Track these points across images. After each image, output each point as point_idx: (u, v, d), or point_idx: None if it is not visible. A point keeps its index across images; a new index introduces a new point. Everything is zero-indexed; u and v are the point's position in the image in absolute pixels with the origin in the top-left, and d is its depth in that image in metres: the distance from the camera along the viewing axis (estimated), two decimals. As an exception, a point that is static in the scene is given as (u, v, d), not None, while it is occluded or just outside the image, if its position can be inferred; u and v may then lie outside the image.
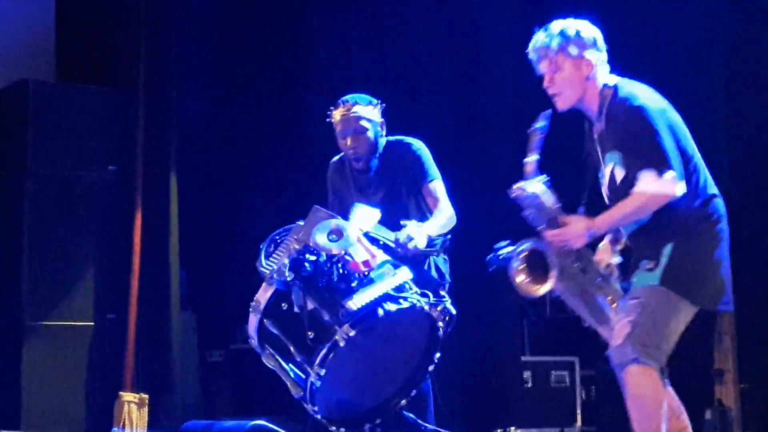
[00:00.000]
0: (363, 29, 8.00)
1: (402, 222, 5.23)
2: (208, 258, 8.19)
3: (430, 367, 5.05)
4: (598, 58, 4.46)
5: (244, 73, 8.33)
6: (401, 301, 4.85)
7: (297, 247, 4.90)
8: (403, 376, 5.04)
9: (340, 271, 4.87)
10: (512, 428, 7.28)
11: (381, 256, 5.00)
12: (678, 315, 4.30)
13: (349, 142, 5.46)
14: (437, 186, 5.49)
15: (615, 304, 4.43)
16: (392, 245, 5.13)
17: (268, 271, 4.94)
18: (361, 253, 4.88)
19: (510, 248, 4.54)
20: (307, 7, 8.24)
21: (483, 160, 7.56)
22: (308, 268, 4.86)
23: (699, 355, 7.15)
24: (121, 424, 6.94)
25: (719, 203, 4.42)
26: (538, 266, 4.47)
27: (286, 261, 4.88)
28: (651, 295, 4.30)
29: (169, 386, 7.33)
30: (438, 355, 5.03)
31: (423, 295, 4.95)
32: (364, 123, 5.46)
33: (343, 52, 7.98)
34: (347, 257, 4.85)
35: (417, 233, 5.15)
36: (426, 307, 4.91)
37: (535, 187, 4.48)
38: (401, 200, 5.51)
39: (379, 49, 7.92)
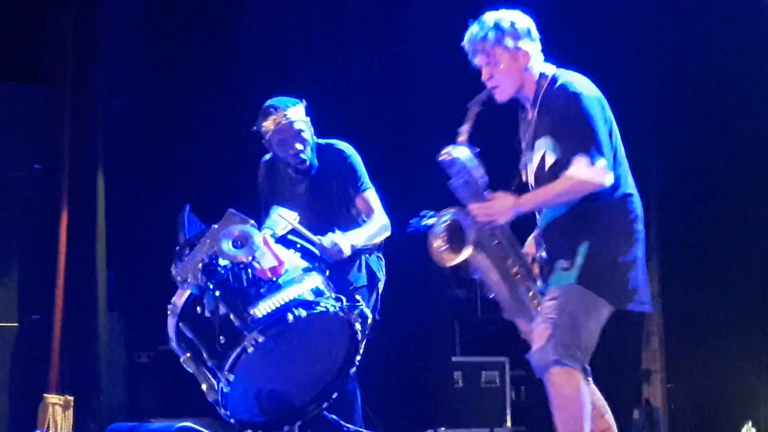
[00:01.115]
0: (292, 26, 7.96)
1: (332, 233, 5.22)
2: (136, 258, 8.09)
3: (352, 370, 5.05)
4: (533, 48, 4.48)
5: (172, 71, 8.25)
6: (314, 306, 4.84)
7: (209, 251, 4.88)
8: (324, 380, 5.05)
9: (249, 276, 4.85)
10: (442, 429, 7.29)
11: (292, 261, 4.98)
12: (597, 313, 4.31)
13: (294, 148, 5.41)
14: (370, 195, 5.49)
15: (536, 301, 4.42)
16: (312, 249, 5.11)
17: (180, 276, 4.92)
18: (268, 259, 4.86)
19: (435, 218, 4.52)
20: (235, 5, 8.18)
21: (414, 160, 7.56)
22: (221, 272, 4.86)
23: (627, 355, 7.22)
24: (46, 426, 6.84)
25: (637, 202, 4.43)
26: (457, 237, 4.45)
27: (199, 265, 4.86)
28: (568, 294, 4.30)
29: (95, 388, 7.24)
30: (359, 358, 5.03)
31: (337, 299, 4.95)
32: (299, 125, 5.43)
33: (271, 50, 7.94)
34: (255, 263, 4.84)
35: (341, 241, 5.14)
36: (340, 312, 4.91)
37: (461, 152, 4.46)
38: (332, 205, 5.48)
39: (308, 46, 7.89)
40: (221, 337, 4.80)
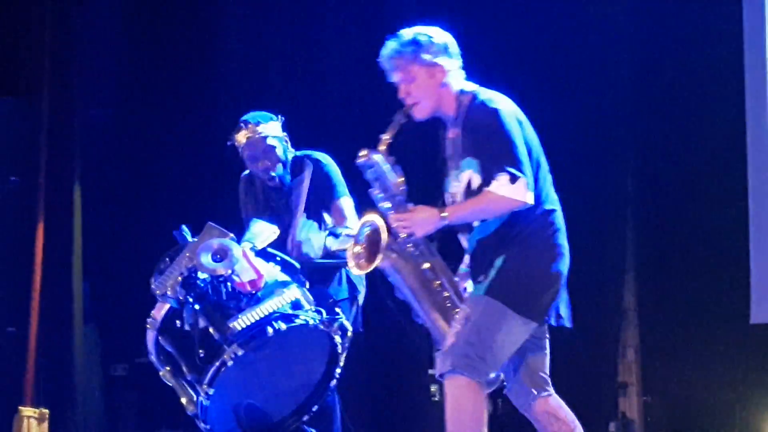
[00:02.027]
0: (270, 37, 7.96)
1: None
2: (112, 270, 8.07)
3: (332, 383, 5.05)
4: (452, 64, 4.41)
5: (149, 82, 8.23)
6: (294, 319, 4.85)
7: (188, 264, 4.88)
8: (304, 393, 5.05)
9: (229, 290, 4.86)
10: (419, 441, 7.30)
11: (271, 274, 4.99)
12: (506, 325, 4.22)
13: (260, 164, 5.42)
14: (345, 203, 5.47)
15: (455, 311, 4.43)
16: (291, 261, 5.13)
17: (159, 290, 4.93)
18: (247, 272, 4.87)
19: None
20: (213, 15, 8.18)
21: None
22: (201, 286, 4.86)
23: (603, 367, 7.22)
24: (21, 439, 6.83)
25: (559, 217, 4.40)
26: (375, 247, 4.40)
27: (178, 278, 4.86)
28: (475, 305, 4.26)
29: (71, 401, 7.23)
30: (339, 371, 5.03)
31: (317, 312, 4.95)
32: (271, 141, 5.43)
33: (248, 60, 7.94)
34: (234, 276, 4.84)
35: (315, 238, 5.16)
36: (320, 326, 4.91)
37: (378, 158, 4.41)
38: (311, 215, 5.49)
39: (286, 57, 7.90)
40: (201, 351, 4.80)
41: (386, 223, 4.40)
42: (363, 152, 4.44)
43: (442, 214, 4.30)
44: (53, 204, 7.28)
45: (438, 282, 4.44)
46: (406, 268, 4.42)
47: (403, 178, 4.42)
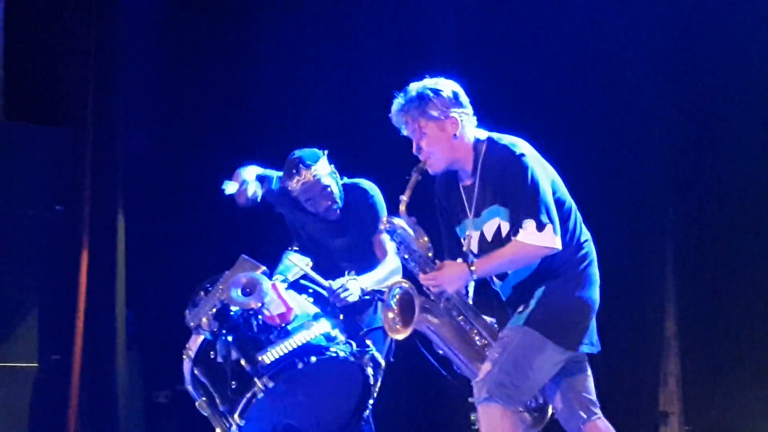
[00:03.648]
0: (309, 67, 8.02)
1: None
2: (155, 298, 8.12)
3: (365, 414, 5.06)
4: (463, 114, 4.41)
5: (192, 110, 8.31)
6: (324, 351, 4.87)
7: (221, 297, 4.93)
8: (337, 423, 5.06)
9: (259, 323, 4.89)
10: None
11: (302, 306, 5.01)
12: (542, 355, 4.28)
13: (321, 205, 5.46)
14: (386, 237, 5.49)
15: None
16: (324, 293, 5.15)
17: (193, 322, 4.97)
18: (276, 305, 4.90)
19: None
20: (254, 43, 8.25)
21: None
22: (233, 318, 4.90)
23: (644, 396, 7.18)
24: (65, 466, 6.87)
25: (590, 247, 4.43)
26: (409, 310, 4.44)
27: (212, 311, 4.91)
28: (514, 335, 4.31)
29: (114, 428, 7.26)
30: (372, 401, 5.04)
31: (347, 344, 4.97)
32: (325, 180, 5.47)
33: (289, 86, 7.99)
34: (264, 310, 4.88)
35: (351, 285, 5.17)
36: (351, 358, 4.93)
37: (399, 222, 4.45)
38: (358, 244, 5.51)
39: (327, 80, 7.95)
40: (233, 382, 4.83)
41: (416, 283, 4.44)
42: (383, 219, 4.49)
43: (471, 269, 4.31)
44: (97, 232, 7.34)
45: (475, 331, 4.47)
46: (441, 326, 4.45)
47: (426, 237, 4.44)
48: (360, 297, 5.25)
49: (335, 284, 5.19)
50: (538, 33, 7.36)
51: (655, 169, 7.20)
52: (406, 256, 4.45)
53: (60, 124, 7.54)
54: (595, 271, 4.40)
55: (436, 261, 4.41)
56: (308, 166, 5.45)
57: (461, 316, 4.47)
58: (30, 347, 7.10)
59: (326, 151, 5.55)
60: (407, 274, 4.58)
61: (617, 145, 7.18)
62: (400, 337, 4.51)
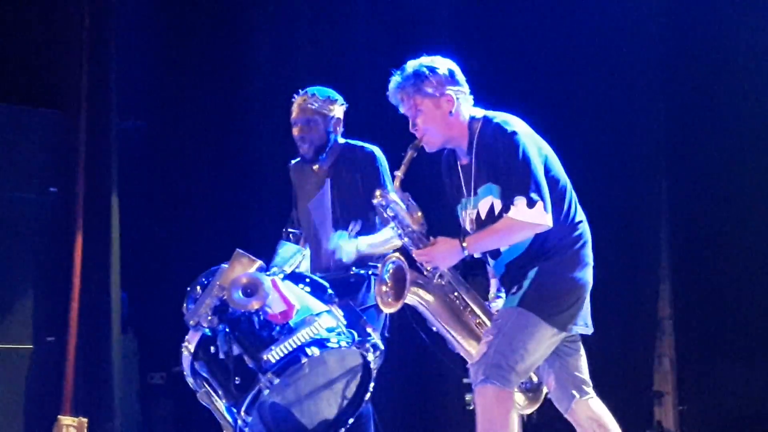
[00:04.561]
0: (305, 50, 8.01)
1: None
2: (149, 280, 8.14)
3: (366, 396, 5.07)
4: (459, 92, 4.43)
5: (186, 93, 8.30)
6: (326, 343, 4.87)
7: (219, 294, 4.92)
8: (339, 407, 5.06)
9: (261, 319, 4.89)
10: (454, 450, 7.30)
11: (302, 299, 5.00)
12: (536, 335, 4.29)
13: (297, 130, 5.48)
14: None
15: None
16: (320, 281, 5.15)
17: (192, 320, 4.96)
18: (278, 304, 4.90)
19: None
20: (247, 30, 8.24)
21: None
22: (233, 313, 4.90)
23: (639, 376, 7.22)
24: (60, 448, 6.88)
25: (585, 228, 4.43)
26: (401, 284, 4.45)
27: (210, 307, 4.90)
28: (508, 316, 4.32)
29: (109, 410, 7.25)
30: (372, 384, 5.06)
31: (349, 334, 4.97)
32: (316, 116, 5.47)
33: (286, 74, 7.98)
34: (266, 308, 4.87)
35: (346, 245, 5.18)
36: (353, 347, 4.93)
37: (395, 197, 4.47)
38: (355, 206, 5.47)
39: (325, 71, 7.94)
40: (236, 378, 4.83)
41: (410, 258, 4.44)
42: (377, 193, 4.49)
43: (462, 245, 4.33)
44: (91, 214, 7.33)
45: (468, 309, 4.48)
46: (434, 302, 4.46)
47: (420, 213, 4.46)
48: (356, 255, 5.24)
49: (330, 244, 5.20)
50: (532, 14, 7.37)
51: (649, 152, 7.22)
52: (400, 232, 4.46)
53: (54, 107, 7.52)
54: (588, 252, 4.40)
55: (430, 237, 4.42)
56: (313, 95, 5.48)
57: (455, 293, 4.47)
58: (25, 329, 7.09)
59: (345, 104, 5.55)
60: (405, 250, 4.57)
61: (611, 126, 7.19)
62: (391, 310, 4.53)
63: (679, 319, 7.24)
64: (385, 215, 4.51)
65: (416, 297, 4.43)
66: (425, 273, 4.43)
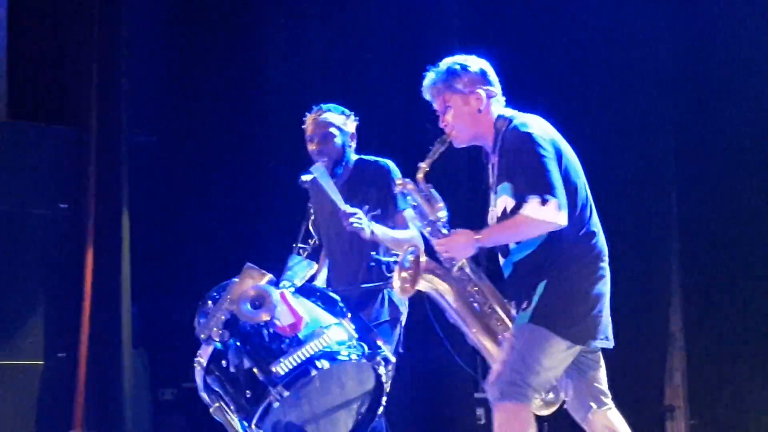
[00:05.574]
0: (317, 62, 8.02)
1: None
2: (160, 295, 8.15)
3: (379, 410, 5.06)
4: (489, 91, 4.48)
5: (197, 108, 8.32)
6: (336, 356, 4.87)
7: (229, 308, 4.93)
8: (352, 421, 5.05)
9: (270, 332, 4.90)
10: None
11: (312, 312, 5.01)
12: (549, 350, 4.28)
13: (313, 146, 5.49)
14: (409, 215, 5.48)
15: (501, 326, 4.47)
16: (331, 294, 5.15)
17: (203, 334, 4.98)
18: (286, 316, 4.90)
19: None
20: (259, 41, 8.26)
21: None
22: (244, 326, 4.91)
23: (650, 390, 7.19)
24: (71, 463, 6.89)
25: (599, 240, 4.43)
26: (418, 269, 4.47)
27: (221, 321, 4.91)
28: (521, 334, 4.32)
29: (120, 425, 7.26)
30: (385, 398, 5.05)
31: (359, 347, 4.97)
32: (332, 130, 5.49)
33: (297, 87, 8.00)
34: (275, 320, 4.88)
35: (364, 220, 5.19)
36: (363, 360, 4.93)
37: (413, 186, 4.51)
38: (370, 218, 5.47)
39: (336, 84, 7.95)
40: (247, 392, 4.83)
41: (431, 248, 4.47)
42: (398, 181, 4.55)
43: (476, 237, 4.35)
44: (102, 230, 7.35)
45: (487, 304, 4.49)
46: (451, 292, 4.47)
47: (442, 204, 4.49)
48: (371, 234, 5.24)
49: (350, 210, 5.21)
50: (544, 18, 7.38)
51: (659, 163, 7.21)
52: (418, 223, 4.51)
53: (64, 123, 7.56)
54: (603, 264, 4.39)
55: (445, 228, 4.45)
56: (327, 110, 5.50)
57: (475, 287, 4.49)
58: (36, 345, 7.11)
59: (357, 118, 5.57)
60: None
61: (620, 138, 7.19)
62: (405, 295, 4.57)
63: (690, 332, 7.21)
64: (407, 203, 4.56)
65: (431, 285, 4.46)
66: (445, 264, 4.47)
